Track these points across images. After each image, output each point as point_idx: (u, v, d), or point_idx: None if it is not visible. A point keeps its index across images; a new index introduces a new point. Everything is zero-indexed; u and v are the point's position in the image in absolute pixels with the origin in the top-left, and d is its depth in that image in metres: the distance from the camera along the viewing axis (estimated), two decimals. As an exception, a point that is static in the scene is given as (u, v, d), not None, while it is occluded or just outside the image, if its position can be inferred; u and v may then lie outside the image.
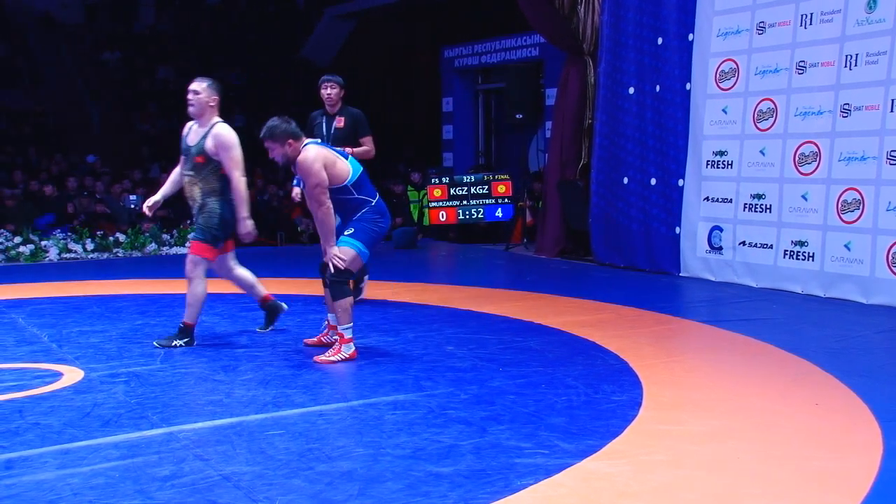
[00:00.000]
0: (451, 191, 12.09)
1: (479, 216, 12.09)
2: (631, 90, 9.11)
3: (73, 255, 10.68)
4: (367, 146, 6.99)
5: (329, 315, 5.41)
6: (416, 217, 12.69)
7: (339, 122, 6.98)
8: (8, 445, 3.60)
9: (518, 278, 8.99)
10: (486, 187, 12.08)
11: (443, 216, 12.09)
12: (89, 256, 10.73)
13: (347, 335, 5.12)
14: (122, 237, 11.16)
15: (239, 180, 5.42)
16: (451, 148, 14.32)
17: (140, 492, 3.11)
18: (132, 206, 12.29)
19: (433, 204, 12.12)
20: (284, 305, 6.04)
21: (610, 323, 6.22)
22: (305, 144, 5.08)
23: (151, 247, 11.26)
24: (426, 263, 10.66)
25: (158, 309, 6.90)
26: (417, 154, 17.00)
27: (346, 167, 5.12)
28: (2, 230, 10.84)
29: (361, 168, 5.24)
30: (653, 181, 8.83)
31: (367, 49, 19.72)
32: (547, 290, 7.79)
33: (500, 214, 12.05)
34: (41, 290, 7.97)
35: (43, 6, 19.24)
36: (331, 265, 5.05)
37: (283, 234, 13.21)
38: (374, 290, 7.75)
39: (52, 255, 10.58)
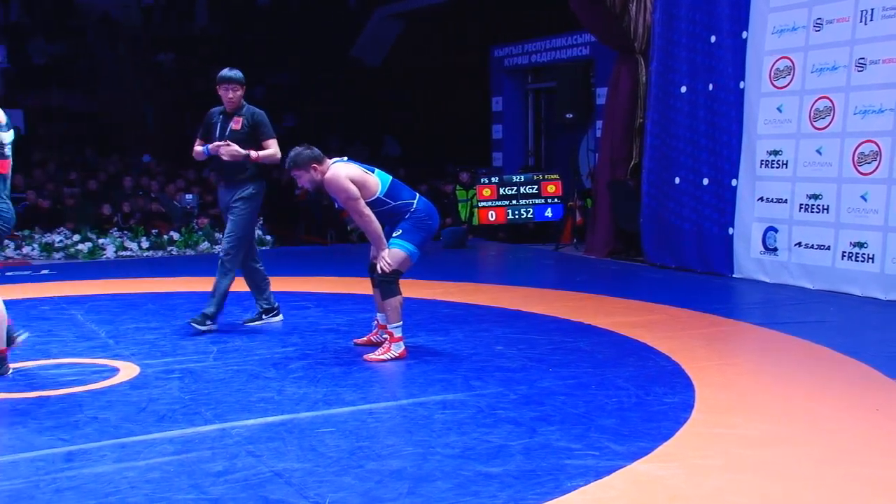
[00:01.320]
0: (501, 190, 12.07)
1: (529, 216, 12.06)
2: (683, 89, 8.99)
3: (129, 253, 10.90)
4: (271, 149, 6.12)
5: (378, 314, 5.43)
6: (465, 217, 12.69)
7: (236, 124, 6.14)
8: (69, 438, 3.69)
9: (567, 278, 8.94)
10: (536, 187, 12.03)
11: (492, 216, 12.07)
12: (144, 254, 10.93)
13: (397, 334, 5.13)
14: (175, 235, 11.35)
15: None
16: (501, 148, 14.29)
17: (194, 486, 3.15)
18: (188, 206, 12.49)
19: (482, 204, 12.11)
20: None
21: (661, 324, 6.15)
22: (333, 163, 5.14)
23: (204, 245, 11.43)
24: (475, 263, 10.66)
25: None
26: (466, 154, 17.01)
27: (374, 180, 5.15)
28: (61, 228, 11.10)
29: (390, 177, 5.26)
30: (705, 181, 8.71)
31: (416, 49, 19.77)
32: (597, 291, 7.73)
33: (550, 214, 11.99)
34: (99, 287, 8.14)
35: (102, 7, 19.64)
36: (379, 267, 5.07)
37: (333, 233, 13.32)
38: (423, 289, 7.78)
39: (109, 252, 10.81)
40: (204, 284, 8.24)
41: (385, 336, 5.25)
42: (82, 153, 15.39)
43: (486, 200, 12.08)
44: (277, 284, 8.15)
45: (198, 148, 6.28)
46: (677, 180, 9.03)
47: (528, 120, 14.42)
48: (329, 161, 5.17)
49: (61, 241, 10.83)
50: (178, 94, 18.56)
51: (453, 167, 15.38)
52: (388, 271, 5.05)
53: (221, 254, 6.18)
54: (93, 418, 3.98)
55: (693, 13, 8.85)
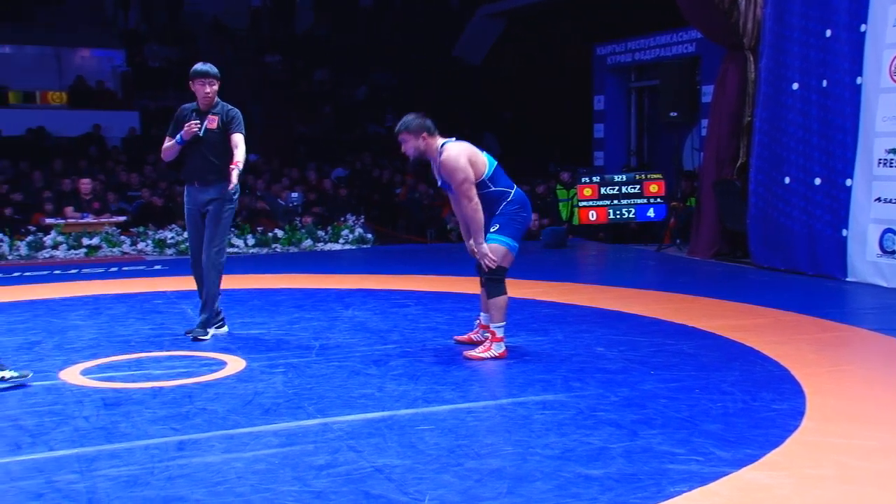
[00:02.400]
0: (602, 190, 11.92)
1: (631, 216, 11.87)
2: (795, 86, 8.69)
3: (235, 250, 11.22)
4: (240, 147, 5.71)
5: (482, 314, 5.42)
6: (565, 216, 12.59)
7: (212, 123, 5.83)
8: (180, 428, 3.82)
9: (670, 280, 8.75)
10: (638, 187, 11.83)
11: (593, 216, 11.93)
12: (250, 251, 11.24)
13: (500, 334, 5.11)
14: (279, 233, 11.63)
15: None
16: (602, 147, 14.11)
17: (298, 479, 3.22)
18: (292, 204, 12.79)
19: (583, 203, 11.99)
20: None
21: (769, 328, 5.95)
22: (443, 144, 5.06)
23: (307, 242, 11.67)
24: (575, 263, 10.55)
25: (314, 303, 7.13)
26: (567, 153, 16.86)
27: (483, 161, 5.09)
28: (173, 225, 11.52)
29: (496, 161, 5.19)
30: (817, 181, 8.39)
31: (517, 47, 19.73)
32: (701, 293, 7.54)
33: (652, 214, 11.78)
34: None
35: (212, 12, 20.30)
36: (483, 264, 5.04)
37: (433, 231, 13.41)
38: (523, 289, 7.74)
39: (217, 249, 11.15)
40: (307, 282, 8.44)
41: (486, 335, 5.24)
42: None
43: (587, 200, 11.95)
44: (378, 282, 8.28)
45: (167, 144, 5.90)
46: (787, 180, 8.73)
47: (631, 119, 14.20)
48: (439, 137, 5.10)
49: (173, 237, 11.23)
50: (283, 94, 19.03)
51: (554, 166, 15.29)
52: (493, 267, 5.01)
53: (207, 258, 5.80)
54: (202, 409, 4.11)
55: (807, 7, 8.54)
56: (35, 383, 4.50)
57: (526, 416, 4.00)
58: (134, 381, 4.64)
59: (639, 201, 11.82)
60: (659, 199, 11.73)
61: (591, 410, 4.06)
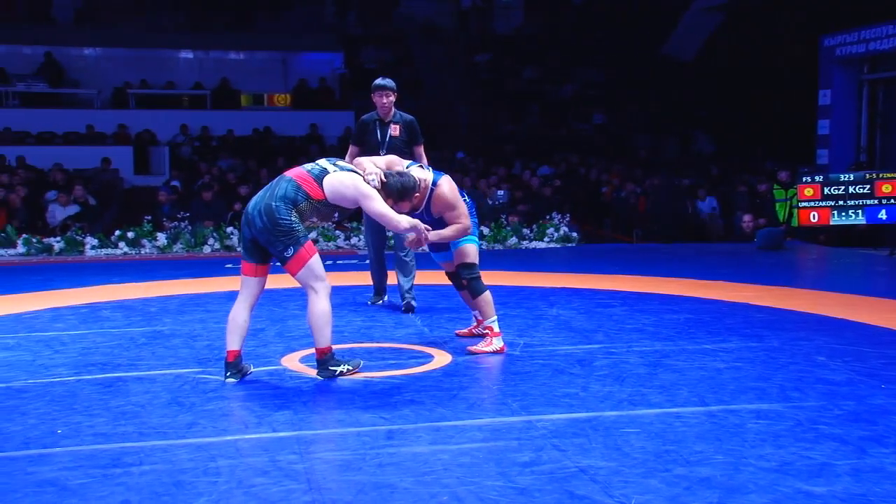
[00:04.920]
0: (825, 190, 11.18)
1: (858, 218, 11.05)
2: None
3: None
4: (421, 156, 6.66)
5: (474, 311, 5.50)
6: (782, 217, 11.93)
7: (395, 131, 6.68)
8: (389, 418, 3.95)
9: (902, 287, 8.07)
10: (868, 187, 11.00)
11: (814, 217, 11.22)
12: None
13: (496, 328, 5.23)
14: (485, 230, 11.78)
15: None
16: (827, 144, 13.23)
17: (502, 474, 3.24)
18: (498, 202, 12.93)
19: (803, 204, 11.30)
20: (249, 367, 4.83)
21: None
22: (435, 179, 5.13)
23: (512, 240, 11.76)
24: (793, 266, 9.97)
25: (518, 301, 7.15)
26: (785, 151, 15.98)
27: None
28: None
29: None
30: None
31: (733, 42, 18.92)
32: (939, 302, 6.90)
33: (884, 216, 10.90)
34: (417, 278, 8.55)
35: (424, 14, 20.95)
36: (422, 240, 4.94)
37: (639, 231, 13.13)
38: (734, 292, 7.42)
39: (426, 245, 11.46)
40: (511, 279, 8.49)
41: (485, 330, 5.30)
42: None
43: (808, 200, 11.25)
44: (583, 281, 8.20)
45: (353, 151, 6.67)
46: None
47: (862, 114, 13.22)
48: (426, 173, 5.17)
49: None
50: (491, 93, 19.29)
51: (772, 165, 14.54)
52: (423, 244, 4.99)
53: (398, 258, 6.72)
54: (410, 401, 4.23)
55: None
56: (259, 368, 4.80)
57: (738, 424, 3.81)
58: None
59: (869, 202, 10.98)
60: (893, 200, 10.85)
61: (811, 423, 3.81)
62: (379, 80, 6.75)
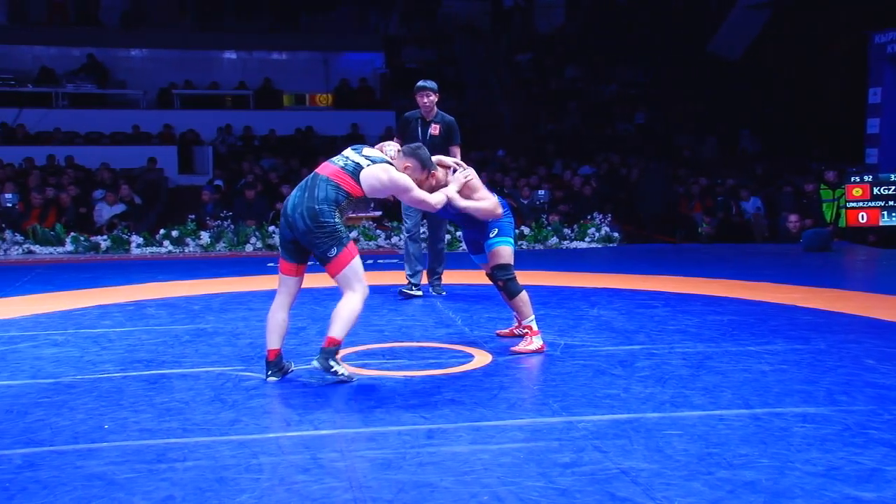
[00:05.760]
0: (875, 190, 10.99)
1: (909, 218, 10.83)
2: None
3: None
4: (457, 156, 6.83)
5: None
6: (829, 218, 11.73)
7: (435, 130, 7.11)
8: (429, 417, 3.95)
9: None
10: (921, 186, 10.78)
11: (863, 218, 11.03)
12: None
13: (535, 327, 5.26)
14: (525, 230, 11.75)
15: None
16: (877, 143, 12.96)
17: (542, 475, 3.22)
18: (539, 202, 12.88)
19: (851, 204, 11.11)
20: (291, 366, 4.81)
21: None
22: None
23: (553, 240, 11.70)
24: (841, 268, 9.79)
25: (559, 301, 7.13)
26: (832, 150, 15.72)
27: None
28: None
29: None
30: None
31: (781, 39, 18.65)
32: None
33: (936, 217, 10.69)
34: (457, 277, 8.53)
35: (466, 14, 20.96)
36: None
37: (682, 231, 12.99)
38: (779, 293, 7.31)
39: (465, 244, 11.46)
40: (552, 279, 8.46)
41: (525, 331, 5.34)
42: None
43: (857, 201, 11.06)
44: (624, 281, 8.14)
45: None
46: None
47: (916, 112, 12.93)
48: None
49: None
50: (532, 93, 19.22)
51: (818, 165, 14.31)
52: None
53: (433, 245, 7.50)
54: (450, 400, 4.23)
55: None
56: (300, 367, 4.83)
57: (784, 427, 3.75)
58: (387, 370, 4.86)
59: (922, 202, 10.77)
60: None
61: (860, 427, 3.74)
62: (421, 82, 7.19)
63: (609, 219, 12.16)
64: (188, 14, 19.94)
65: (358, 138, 17.10)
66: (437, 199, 4.85)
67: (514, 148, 16.51)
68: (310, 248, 4.52)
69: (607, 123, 18.56)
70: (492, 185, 13.63)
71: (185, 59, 18.92)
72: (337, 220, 4.45)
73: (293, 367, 4.74)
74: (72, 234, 11.38)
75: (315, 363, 4.50)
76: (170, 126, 16.92)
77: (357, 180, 4.54)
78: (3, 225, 11.53)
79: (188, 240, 11.40)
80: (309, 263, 4.72)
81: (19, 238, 11.34)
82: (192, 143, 16.65)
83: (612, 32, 20.77)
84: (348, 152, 4.71)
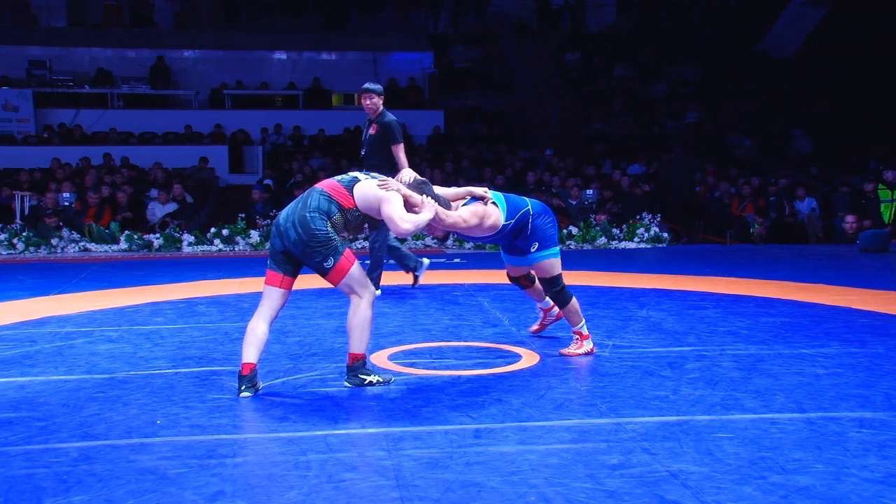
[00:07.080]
0: (934, 189, 10.70)
1: (969, 219, 10.54)
2: None
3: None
4: (399, 154, 7.17)
5: (538, 303, 5.66)
6: (888, 219, 11.47)
7: (373, 130, 7.32)
8: (476, 417, 3.95)
9: None
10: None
11: (921, 218, 10.75)
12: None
13: (585, 332, 5.25)
14: (574, 230, 11.68)
15: None
16: (939, 142, 12.66)
17: (590, 476, 3.19)
18: (587, 202, 12.79)
19: (909, 204, 10.84)
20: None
21: None
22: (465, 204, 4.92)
23: (601, 240, 11.62)
24: (898, 270, 9.56)
25: (607, 301, 7.07)
26: (892, 150, 15.35)
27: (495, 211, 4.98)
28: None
29: (500, 194, 5.07)
30: None
31: (837, 36, 18.28)
32: None
33: None
34: (503, 276, 8.53)
35: (516, 13, 20.91)
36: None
37: (732, 232, 12.81)
38: (835, 296, 7.17)
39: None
40: (600, 280, 8.39)
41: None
42: (496, 150, 16.32)
43: (915, 201, 10.78)
44: (674, 282, 8.04)
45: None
46: None
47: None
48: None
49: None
50: (581, 92, 19.09)
51: (876, 164, 14.00)
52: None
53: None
54: (497, 400, 4.21)
55: None
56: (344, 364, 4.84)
57: (839, 432, 3.67)
58: (434, 369, 4.87)
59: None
60: None
61: (920, 434, 3.64)
62: (365, 84, 7.50)
63: (658, 219, 12.04)
64: (239, 15, 20.20)
65: (406, 138, 17.17)
66: (407, 225, 4.40)
67: (562, 147, 16.42)
68: (304, 259, 4.39)
69: (656, 122, 18.37)
70: (540, 186, 13.62)
71: (236, 60, 19.17)
72: (329, 229, 4.33)
73: (262, 385, 4.47)
74: (125, 232, 11.60)
75: (346, 383, 4.48)
76: (220, 126, 17.16)
77: (350, 192, 4.43)
78: (61, 223, 11.80)
79: (238, 238, 11.54)
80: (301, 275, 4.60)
81: (76, 236, 11.59)
82: (243, 142, 16.86)
83: (664, 30, 20.54)
84: (354, 172, 4.67)
